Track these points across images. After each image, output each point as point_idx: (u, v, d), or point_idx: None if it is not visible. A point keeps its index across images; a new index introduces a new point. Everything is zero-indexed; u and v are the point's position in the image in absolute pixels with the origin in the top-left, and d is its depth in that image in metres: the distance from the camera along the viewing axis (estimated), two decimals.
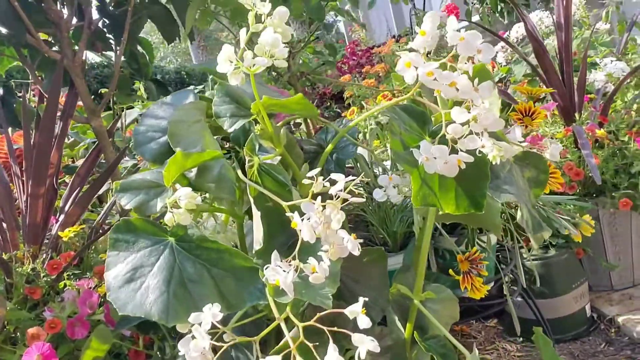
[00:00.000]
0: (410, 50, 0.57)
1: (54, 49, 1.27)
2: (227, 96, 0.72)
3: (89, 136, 1.78)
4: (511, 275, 1.07)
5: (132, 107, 2.33)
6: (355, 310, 0.53)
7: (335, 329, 0.53)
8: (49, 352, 0.88)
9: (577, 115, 1.49)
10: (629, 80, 1.54)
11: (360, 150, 1.04)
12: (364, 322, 0.52)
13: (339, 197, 0.58)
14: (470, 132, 0.58)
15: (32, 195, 1.18)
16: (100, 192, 1.39)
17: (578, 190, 1.39)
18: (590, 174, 1.36)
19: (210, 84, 2.40)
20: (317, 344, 0.53)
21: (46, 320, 0.94)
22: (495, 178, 0.67)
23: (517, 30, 1.95)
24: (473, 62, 0.56)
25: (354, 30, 4.95)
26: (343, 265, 0.62)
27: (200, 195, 0.72)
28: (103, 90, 1.65)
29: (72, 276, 1.09)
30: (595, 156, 1.32)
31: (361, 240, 0.59)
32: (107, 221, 1.36)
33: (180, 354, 0.58)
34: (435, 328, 0.81)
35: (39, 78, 1.32)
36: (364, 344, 0.51)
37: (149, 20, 1.37)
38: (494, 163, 0.61)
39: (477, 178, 0.62)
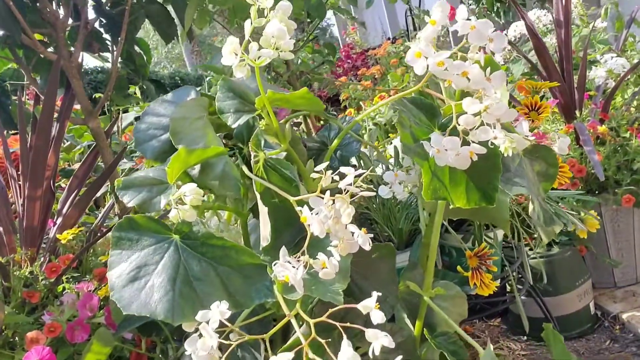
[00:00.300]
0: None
1: (49, 49, 1.25)
2: (230, 91, 0.70)
3: (85, 139, 1.76)
4: (514, 274, 1.05)
5: (127, 112, 2.32)
6: (369, 305, 0.51)
7: (348, 324, 0.51)
8: (48, 356, 0.87)
9: (577, 112, 1.49)
10: (629, 77, 1.54)
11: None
12: (378, 317, 0.50)
13: (348, 191, 0.56)
14: (482, 124, 0.56)
15: (29, 197, 1.16)
16: (98, 194, 1.37)
17: (580, 188, 1.39)
18: (592, 171, 1.35)
19: (206, 87, 2.38)
20: (330, 340, 0.51)
21: (45, 324, 0.92)
22: (506, 171, 0.65)
23: (515, 29, 1.95)
24: (485, 52, 0.55)
25: (348, 34, 4.95)
26: (351, 262, 0.61)
27: (203, 195, 0.71)
28: (97, 95, 1.63)
29: (71, 279, 1.08)
30: (598, 153, 1.32)
31: (372, 235, 0.58)
32: (105, 224, 1.34)
33: (187, 353, 0.57)
34: (444, 325, 0.80)
35: (35, 80, 1.30)
36: (378, 339, 0.50)
37: (145, 21, 1.36)
38: (505, 155, 0.60)
39: (489, 171, 0.61)
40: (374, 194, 0.57)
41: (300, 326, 0.57)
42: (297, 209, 0.56)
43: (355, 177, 0.56)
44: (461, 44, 0.56)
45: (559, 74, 1.52)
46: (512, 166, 0.67)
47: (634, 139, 1.37)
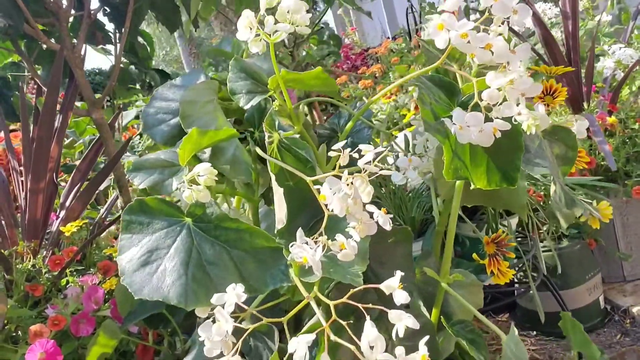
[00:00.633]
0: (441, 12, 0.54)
1: (51, 40, 1.23)
2: (242, 72, 0.69)
3: (88, 133, 1.74)
4: (528, 264, 1.04)
5: (127, 109, 2.30)
6: (392, 285, 0.49)
7: (370, 305, 0.49)
8: (53, 350, 0.84)
9: (585, 104, 1.47)
10: (637, 68, 1.53)
11: None
12: (402, 297, 0.48)
13: (366, 170, 0.55)
14: (504, 100, 0.55)
15: (32, 190, 1.14)
16: (101, 187, 1.35)
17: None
18: (601, 163, 1.34)
19: None
20: (352, 321, 0.49)
21: (49, 318, 0.90)
22: (527, 152, 0.64)
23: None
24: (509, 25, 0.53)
25: (347, 35, 4.95)
26: None
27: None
28: (97, 96, 1.61)
29: (74, 272, 1.06)
30: (608, 144, 1.30)
31: (391, 215, 0.56)
32: (108, 219, 1.32)
33: (200, 339, 0.55)
34: (459, 314, 0.78)
35: (36, 72, 1.28)
36: (402, 320, 0.48)
37: (145, 22, 1.34)
38: (528, 133, 0.58)
39: (511, 150, 0.59)
40: (392, 173, 0.56)
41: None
42: (315, 187, 0.54)
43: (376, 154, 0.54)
44: (483, 17, 0.55)
45: (567, 65, 1.51)
46: (532, 147, 0.65)
47: None
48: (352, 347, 0.47)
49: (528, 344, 1.36)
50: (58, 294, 1.01)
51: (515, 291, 1.11)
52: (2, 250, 1.04)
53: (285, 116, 0.68)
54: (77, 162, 1.53)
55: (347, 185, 0.53)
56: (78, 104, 1.50)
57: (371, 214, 0.55)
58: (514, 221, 1.01)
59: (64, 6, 1.19)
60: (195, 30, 1.40)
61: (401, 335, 0.48)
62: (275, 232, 0.61)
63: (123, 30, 1.21)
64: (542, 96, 0.85)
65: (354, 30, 5.27)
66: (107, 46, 1.41)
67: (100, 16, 1.30)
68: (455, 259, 0.90)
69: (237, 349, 0.52)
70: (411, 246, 0.70)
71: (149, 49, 1.39)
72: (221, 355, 0.52)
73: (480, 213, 0.99)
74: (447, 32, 0.53)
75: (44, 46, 1.27)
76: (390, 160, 0.98)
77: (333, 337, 0.48)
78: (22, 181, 1.21)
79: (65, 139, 1.74)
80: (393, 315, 0.48)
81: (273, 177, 0.62)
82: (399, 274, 0.50)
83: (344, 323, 0.49)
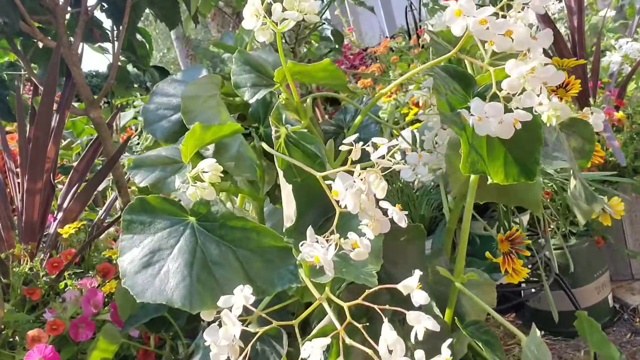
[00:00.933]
0: None
1: (48, 37, 1.20)
2: (247, 65, 0.66)
3: (86, 133, 1.71)
4: (540, 261, 1.01)
5: (124, 110, 2.27)
6: (410, 285, 0.47)
7: (387, 306, 0.47)
8: (51, 355, 0.82)
9: (591, 99, 1.45)
10: None
11: None
12: (421, 297, 0.46)
13: (379, 165, 0.52)
14: (523, 90, 0.52)
15: (29, 191, 1.11)
16: (99, 188, 1.32)
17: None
18: (610, 159, 1.32)
19: None
20: (368, 324, 0.47)
21: (47, 322, 0.87)
22: (545, 145, 0.61)
23: None
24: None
25: (345, 35, 4.92)
26: None
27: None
28: (94, 97, 1.58)
29: (73, 275, 1.03)
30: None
31: (406, 212, 0.53)
32: (106, 221, 1.30)
33: (206, 343, 0.52)
34: (472, 314, 0.75)
35: (32, 70, 1.25)
36: (421, 322, 0.45)
37: (144, 21, 1.31)
38: (548, 125, 0.56)
39: (530, 142, 0.56)
40: (406, 167, 0.53)
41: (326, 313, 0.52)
42: (327, 182, 0.52)
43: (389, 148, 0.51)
44: (501, 3, 0.52)
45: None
46: (550, 140, 0.63)
47: None
48: (369, 350, 0.44)
49: None
50: (56, 298, 0.98)
51: (525, 290, 1.08)
52: None
53: (292, 110, 0.65)
54: (75, 164, 1.51)
55: (361, 180, 0.51)
56: (75, 103, 1.48)
57: (385, 211, 0.52)
58: (525, 219, 0.98)
59: (60, 3, 1.16)
60: (195, 27, 1.37)
61: (420, 337, 0.45)
62: (284, 230, 0.58)
63: (121, 26, 1.19)
64: (555, 89, 0.82)
65: (351, 30, 5.25)
66: (105, 45, 1.38)
67: (97, 13, 1.27)
68: (467, 257, 0.88)
69: (246, 354, 0.50)
70: (424, 245, 0.68)
71: (147, 46, 1.36)
72: None
73: (491, 210, 0.96)
74: (464, 18, 0.50)
75: (41, 44, 1.24)
76: (397, 157, 0.95)
77: (348, 341, 0.46)
78: (18, 182, 1.19)
79: (62, 140, 1.71)
80: (412, 317, 0.46)
81: (281, 174, 0.59)
82: (417, 273, 0.47)
83: (359, 325, 0.46)
